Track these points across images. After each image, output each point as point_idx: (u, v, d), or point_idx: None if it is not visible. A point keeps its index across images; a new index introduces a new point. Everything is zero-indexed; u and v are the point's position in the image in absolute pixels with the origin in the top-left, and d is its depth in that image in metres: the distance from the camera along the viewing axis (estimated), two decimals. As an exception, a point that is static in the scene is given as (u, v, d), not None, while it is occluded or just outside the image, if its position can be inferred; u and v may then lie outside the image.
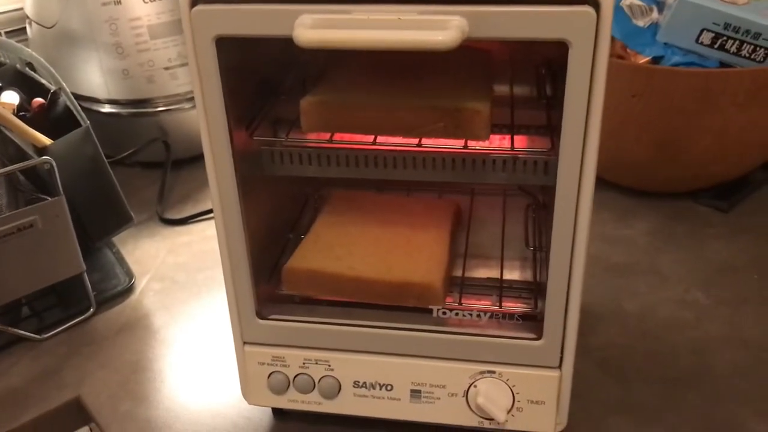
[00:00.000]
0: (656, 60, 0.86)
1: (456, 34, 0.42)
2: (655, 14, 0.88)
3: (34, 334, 0.76)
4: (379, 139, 0.56)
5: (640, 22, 0.87)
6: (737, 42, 0.82)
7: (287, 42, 0.45)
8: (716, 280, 0.81)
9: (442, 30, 0.43)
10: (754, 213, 0.92)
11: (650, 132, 0.84)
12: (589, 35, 0.44)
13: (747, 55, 0.83)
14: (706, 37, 0.83)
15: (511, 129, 0.57)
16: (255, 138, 0.57)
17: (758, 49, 0.82)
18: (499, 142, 0.58)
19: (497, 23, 0.44)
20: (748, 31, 0.81)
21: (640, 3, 0.88)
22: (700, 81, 0.79)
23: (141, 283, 0.85)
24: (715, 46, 0.83)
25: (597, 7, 0.43)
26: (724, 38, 0.82)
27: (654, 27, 0.87)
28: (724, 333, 0.73)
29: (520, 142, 0.57)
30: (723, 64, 0.84)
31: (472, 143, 0.55)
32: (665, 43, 0.86)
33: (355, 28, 0.44)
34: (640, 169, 0.90)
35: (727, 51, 0.83)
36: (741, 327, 0.74)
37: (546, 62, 0.63)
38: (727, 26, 0.81)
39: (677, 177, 0.91)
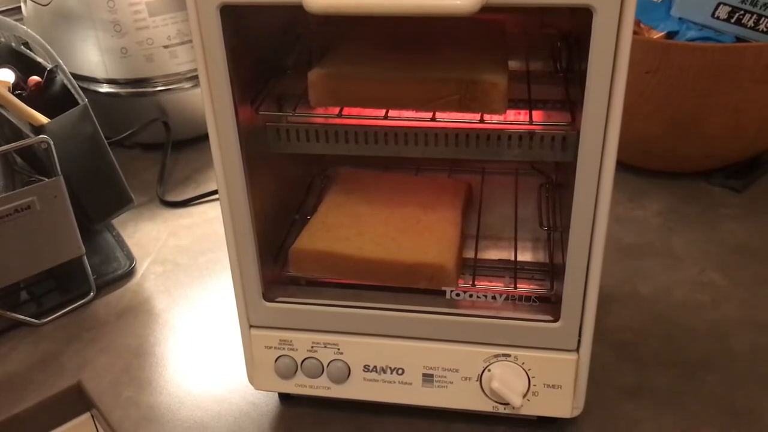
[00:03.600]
0: (670, 35, 0.83)
1: (475, -1, 0.40)
2: (669, -12, 0.85)
3: (33, 318, 0.74)
4: (391, 113, 0.54)
5: (654, -3, 0.85)
6: (755, 16, 0.80)
7: (293, 12, 0.43)
8: (732, 261, 0.79)
9: (461, -6, 0.40)
10: (769, 193, 0.90)
11: (664, 109, 0.82)
12: (615, 1, 0.42)
13: (765, 29, 0.80)
14: (723, 11, 0.81)
15: (528, 103, 0.55)
16: (260, 113, 0.55)
17: (776, 23, 0.80)
18: (514, 117, 0.55)
19: (519, -13, 0.42)
20: (766, 5, 0.79)
21: (654, -23, 0.86)
22: (717, 56, 0.76)
23: (142, 267, 0.83)
24: (732, 21, 0.81)
25: (623, -29, 0.41)
26: (741, 12, 0.80)
27: (668, 1, 0.84)
28: (741, 315, 0.71)
29: (537, 116, 0.55)
30: (739, 39, 0.82)
31: (488, 117, 0.53)
32: (680, 18, 0.83)
33: (368, -7, 0.42)
34: (653, 148, 0.88)
35: (744, 25, 0.81)
36: (759, 309, 0.72)
37: (561, 35, 0.61)
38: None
39: (691, 156, 0.89)
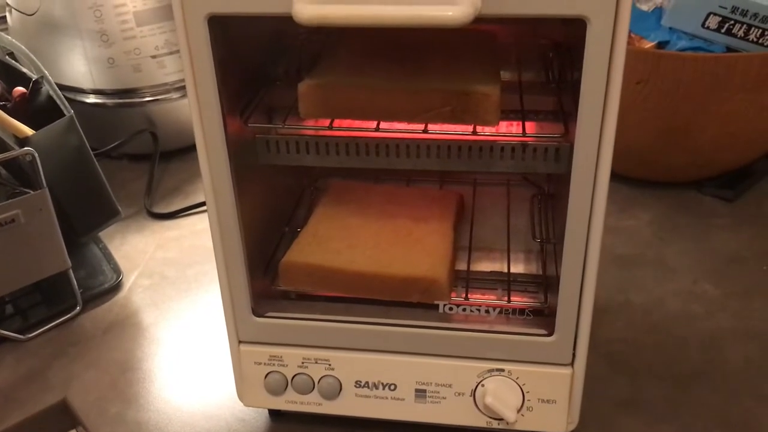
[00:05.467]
0: (661, 45, 0.83)
1: (468, 10, 0.39)
2: (659, -2, 0.85)
3: (17, 333, 0.73)
4: (382, 125, 0.53)
5: (644, 6, 0.85)
6: (745, 26, 0.80)
7: (282, 22, 0.42)
8: (725, 271, 0.79)
9: (453, 5, 0.40)
10: (760, 203, 0.90)
11: (655, 119, 0.82)
12: (609, 11, 0.41)
13: (755, 39, 0.80)
14: (713, 21, 0.81)
15: (520, 114, 0.54)
16: (250, 125, 0.54)
17: (766, 33, 0.80)
18: (507, 129, 0.55)
19: (512, -2, 0.41)
20: (756, 15, 0.79)
21: (644, -13, 0.86)
22: (708, 66, 0.76)
23: (129, 280, 0.82)
24: (722, 31, 0.81)
25: (617, -19, 0.41)
26: (732, 22, 0.80)
27: (658, 11, 0.84)
28: (735, 326, 0.71)
29: (530, 128, 0.54)
30: (730, 49, 0.82)
31: (480, 129, 0.52)
32: (670, 28, 0.83)
33: (358, 3, 0.41)
34: (644, 157, 0.88)
35: (735, 35, 0.81)
36: (753, 319, 0.72)
37: (554, 45, 0.61)
38: (734, 10, 0.79)
39: (682, 166, 0.89)
